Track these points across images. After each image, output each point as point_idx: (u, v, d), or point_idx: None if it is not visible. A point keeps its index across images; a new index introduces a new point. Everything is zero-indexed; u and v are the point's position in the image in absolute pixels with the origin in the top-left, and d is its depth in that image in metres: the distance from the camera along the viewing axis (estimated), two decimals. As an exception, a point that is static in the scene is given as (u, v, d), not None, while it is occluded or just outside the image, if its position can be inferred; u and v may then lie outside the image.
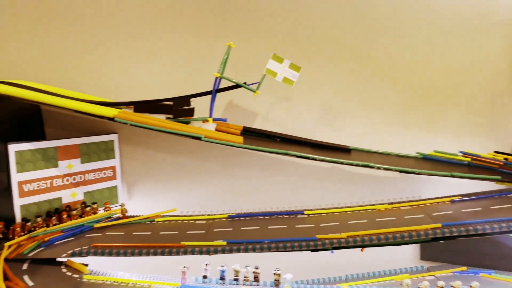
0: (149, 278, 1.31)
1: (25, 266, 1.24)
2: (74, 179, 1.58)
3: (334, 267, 1.56)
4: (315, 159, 1.41)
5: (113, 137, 1.70)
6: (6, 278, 1.14)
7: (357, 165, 1.42)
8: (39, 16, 1.65)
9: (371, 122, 1.73)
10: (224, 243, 1.24)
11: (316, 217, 1.42)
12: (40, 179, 1.49)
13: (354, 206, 1.49)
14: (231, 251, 1.22)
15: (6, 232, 1.38)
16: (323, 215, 1.44)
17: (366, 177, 1.74)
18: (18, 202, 1.44)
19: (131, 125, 1.36)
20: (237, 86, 1.41)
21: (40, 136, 1.68)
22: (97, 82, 1.68)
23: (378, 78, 1.70)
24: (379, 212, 1.40)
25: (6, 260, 1.23)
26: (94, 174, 1.64)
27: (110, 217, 1.52)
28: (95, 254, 1.25)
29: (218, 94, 1.44)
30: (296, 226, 1.36)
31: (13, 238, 1.35)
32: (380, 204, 1.47)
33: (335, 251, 1.24)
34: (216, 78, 1.41)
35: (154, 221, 1.49)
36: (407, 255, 1.73)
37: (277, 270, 1.32)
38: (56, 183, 1.53)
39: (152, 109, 1.42)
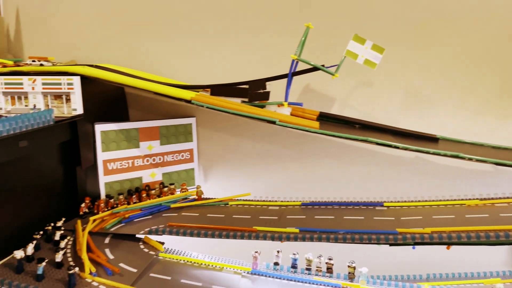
0: (221, 260, 1.31)
1: (107, 240, 1.30)
2: (154, 160, 1.64)
3: (414, 264, 1.45)
4: (397, 147, 1.31)
5: (192, 120, 1.73)
6: (89, 250, 1.21)
7: (445, 155, 1.29)
8: (123, 4, 1.72)
9: (462, 109, 1.57)
10: (297, 230, 1.21)
11: (396, 210, 1.32)
12: (123, 158, 1.56)
13: (440, 200, 1.36)
14: (303, 239, 1.18)
15: (92, 207, 1.47)
16: (405, 208, 1.34)
17: (453, 169, 1.58)
18: (103, 179, 1.52)
19: (207, 107, 1.36)
20: (314, 69, 1.35)
21: (125, 117, 1.76)
22: (176, 66, 1.71)
23: (471, 61, 1.53)
24: (469, 208, 1.27)
25: (91, 233, 1.30)
26: (173, 156, 1.68)
27: (186, 198, 1.56)
28: (170, 233, 1.28)
29: (295, 78, 1.39)
30: (374, 218, 1.28)
31: (97, 213, 1.43)
32: (470, 199, 1.32)
33: (416, 247, 1.14)
34: (293, 60, 1.36)
35: (228, 204, 1.49)
36: (500, 257, 1.57)
37: (352, 263, 1.25)
38: (137, 163, 1.60)
39: (228, 93, 1.42)
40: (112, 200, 1.47)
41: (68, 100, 1.36)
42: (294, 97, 1.61)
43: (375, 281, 1.24)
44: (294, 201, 1.47)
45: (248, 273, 1.27)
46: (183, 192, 1.60)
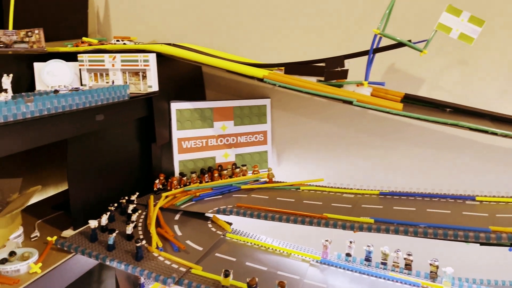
0: (289, 246, 1.26)
1: (177, 217, 1.31)
2: (227, 140, 1.62)
3: (506, 268, 1.27)
4: (495, 134, 1.13)
5: (266, 101, 1.68)
6: (158, 225, 1.22)
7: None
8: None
9: None
10: (371, 220, 1.10)
11: (491, 206, 1.15)
12: (197, 137, 1.57)
13: (547, 198, 1.16)
14: (378, 230, 1.07)
15: (166, 184, 1.49)
16: (501, 204, 1.16)
17: None
18: (177, 157, 1.54)
19: (279, 86, 1.30)
20: (400, 44, 1.22)
21: (201, 97, 1.77)
22: (254, 44, 1.67)
23: None
24: None
25: (162, 209, 1.32)
26: (246, 138, 1.65)
27: (257, 180, 1.52)
28: (238, 214, 1.25)
29: (377, 55, 1.27)
30: (463, 213, 1.12)
31: (170, 190, 1.45)
32: None
33: (514, 249, 0.98)
34: (375, 35, 1.24)
35: (299, 189, 1.42)
36: None
37: (435, 261, 1.12)
38: (211, 143, 1.60)
39: (303, 71, 1.34)
40: (185, 178, 1.48)
41: (144, 77, 1.38)
42: (376, 77, 1.48)
43: (462, 283, 1.10)
44: (371, 189, 1.36)
45: (317, 261, 1.20)
46: (254, 174, 1.57)
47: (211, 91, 1.79)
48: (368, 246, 1.22)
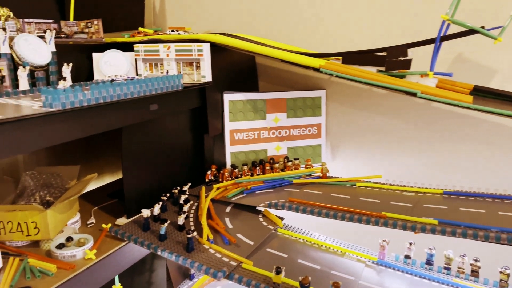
0: (343, 244, 1.20)
1: (228, 209, 1.29)
2: (280, 133, 1.58)
3: None
4: None
5: (321, 93, 1.62)
6: (210, 216, 1.21)
7: None
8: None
9: None
10: (435, 222, 1.02)
11: None
12: (249, 129, 1.54)
13: None
14: (443, 232, 0.99)
15: (217, 176, 1.48)
16: None
17: None
18: (229, 149, 1.52)
19: (336, 76, 1.23)
20: (471, 31, 1.11)
21: (254, 89, 1.74)
22: (308, 34, 1.61)
23: None
24: None
25: (213, 200, 1.31)
26: (299, 130, 1.60)
27: (310, 175, 1.47)
28: (290, 208, 1.20)
29: (444, 44, 1.17)
30: (541, 217, 1.01)
31: (221, 182, 1.43)
32: None
33: None
34: (443, 22, 1.14)
35: (355, 185, 1.36)
36: None
37: (506, 269, 1.02)
38: (263, 135, 1.56)
39: (362, 61, 1.26)
40: (236, 170, 1.46)
41: (198, 67, 1.36)
42: (442, 67, 1.37)
43: (537, 296, 0.99)
44: (434, 188, 1.26)
45: (373, 262, 1.14)
46: (307, 168, 1.52)
47: (264, 82, 1.75)
48: (430, 248, 1.13)
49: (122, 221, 1.21)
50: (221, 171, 1.45)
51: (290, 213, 1.22)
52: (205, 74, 1.35)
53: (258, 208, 1.29)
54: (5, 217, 1.04)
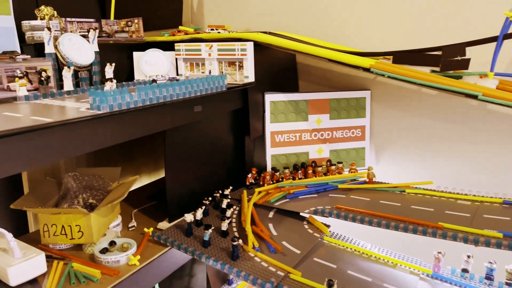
0: (394, 255, 1.14)
1: (270, 214, 1.25)
2: (322, 135, 1.52)
3: None
4: None
5: (366, 94, 1.55)
6: (253, 222, 1.17)
7: None
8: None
9: None
10: (500, 235, 0.94)
11: None
12: (291, 131, 1.49)
13: None
14: (510, 247, 0.91)
15: (258, 179, 1.44)
16: None
17: None
18: (269, 151, 1.47)
19: (388, 77, 1.17)
20: (539, 28, 1.03)
21: (294, 88, 1.69)
22: (351, 32, 1.54)
23: None
24: None
25: (255, 205, 1.26)
26: (342, 132, 1.54)
27: (355, 180, 1.41)
28: (338, 216, 1.15)
29: (506, 42, 1.09)
30: None
31: (263, 185, 1.39)
32: None
33: None
34: (507, 19, 1.06)
35: (404, 191, 1.29)
36: None
37: None
38: (305, 137, 1.51)
39: (415, 60, 1.19)
40: (277, 174, 1.41)
41: (240, 67, 1.32)
42: (503, 67, 1.28)
43: None
44: (492, 197, 1.18)
45: (427, 275, 1.07)
46: (351, 172, 1.45)
47: (304, 82, 1.69)
48: (490, 262, 1.06)
49: (163, 225, 1.19)
50: (262, 174, 1.41)
51: (335, 220, 1.17)
52: (248, 74, 1.31)
53: (302, 214, 1.24)
54: (49, 220, 1.03)
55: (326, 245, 1.16)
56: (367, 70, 1.20)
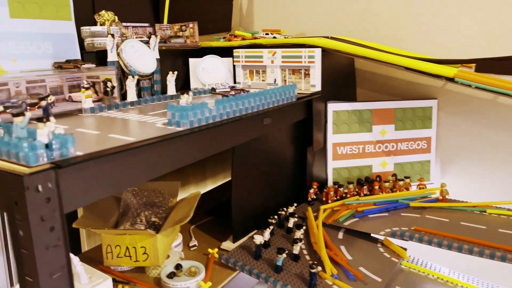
0: (486, 285, 1.03)
1: (340, 235, 1.15)
2: (386, 147, 1.42)
3: None
4: None
5: (432, 103, 1.44)
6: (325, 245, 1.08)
7: None
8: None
9: None
10: None
11: None
12: (353, 143, 1.39)
13: None
14: None
15: (318, 194, 1.35)
16: None
17: None
18: (331, 164, 1.38)
19: (476, 87, 1.06)
20: None
21: (352, 97, 1.59)
22: (407, 36, 1.44)
23: None
24: None
25: (323, 224, 1.17)
26: (407, 144, 1.44)
27: (426, 197, 1.30)
28: (420, 240, 1.05)
29: None
30: None
31: (326, 201, 1.30)
32: None
33: None
34: None
35: (485, 212, 1.18)
36: None
37: None
38: (368, 149, 1.41)
39: (502, 69, 1.09)
40: (341, 189, 1.32)
41: (306, 75, 1.23)
42: None
43: None
44: None
45: (525, 310, 0.96)
46: (420, 188, 1.35)
47: (362, 90, 1.60)
48: None
49: (228, 245, 1.11)
50: (324, 190, 1.32)
51: (411, 242, 1.07)
52: (315, 83, 1.22)
53: (375, 235, 1.14)
54: (114, 240, 0.96)
55: (406, 271, 1.07)
56: (450, 80, 1.10)
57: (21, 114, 0.59)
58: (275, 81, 1.23)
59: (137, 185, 1.13)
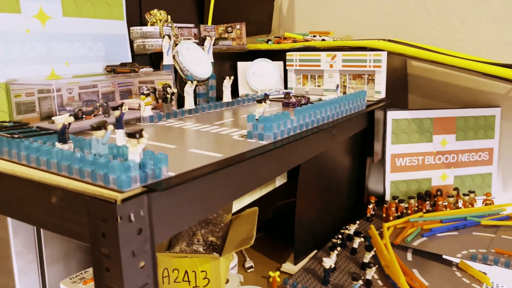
0: None
1: (409, 256, 1.05)
2: (447, 158, 1.32)
3: None
4: None
5: (495, 111, 1.34)
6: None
7: None
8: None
9: None
10: None
11: None
12: (413, 154, 1.29)
13: None
14: None
15: (376, 209, 1.25)
16: None
17: None
18: (389, 177, 1.28)
19: None
20: None
21: (404, 103, 1.49)
22: (463, 38, 1.34)
23: None
24: None
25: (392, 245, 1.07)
26: (468, 156, 1.33)
27: (494, 214, 1.20)
28: (507, 265, 0.94)
29: None
30: None
31: (386, 218, 1.19)
32: None
33: None
34: None
35: None
36: None
37: None
38: (428, 161, 1.31)
39: None
40: (402, 204, 1.21)
41: (370, 80, 1.13)
42: None
43: None
44: None
45: None
46: (487, 204, 1.24)
47: (414, 96, 1.50)
48: None
49: (289, 267, 1.01)
50: (384, 205, 1.21)
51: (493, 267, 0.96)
52: (381, 89, 1.12)
53: (448, 257, 1.04)
54: (171, 264, 0.86)
55: (490, 300, 0.96)
56: (536, 87, 0.99)
57: (103, 127, 0.49)
58: (337, 87, 1.13)
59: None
